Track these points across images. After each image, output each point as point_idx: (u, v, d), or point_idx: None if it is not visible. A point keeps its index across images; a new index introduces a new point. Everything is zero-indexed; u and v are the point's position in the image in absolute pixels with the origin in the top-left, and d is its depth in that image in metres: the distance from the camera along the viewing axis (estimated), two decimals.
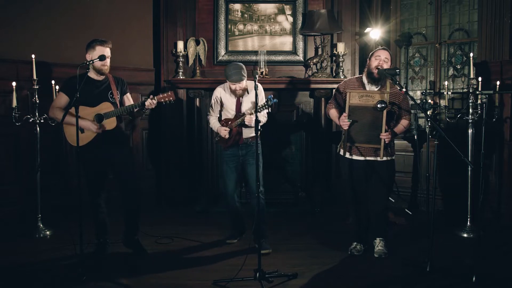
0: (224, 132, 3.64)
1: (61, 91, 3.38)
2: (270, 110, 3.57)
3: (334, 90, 3.70)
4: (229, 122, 3.67)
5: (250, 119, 3.52)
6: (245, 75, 3.56)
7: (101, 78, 3.41)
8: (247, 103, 3.66)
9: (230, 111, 3.69)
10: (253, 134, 3.55)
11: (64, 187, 4.69)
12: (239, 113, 3.65)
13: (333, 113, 3.60)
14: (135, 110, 3.34)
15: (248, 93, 3.64)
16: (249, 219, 3.78)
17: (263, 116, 3.65)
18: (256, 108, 3.10)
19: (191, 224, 4.45)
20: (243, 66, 3.57)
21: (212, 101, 3.77)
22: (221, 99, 3.72)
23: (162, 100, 3.32)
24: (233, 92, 3.62)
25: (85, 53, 3.35)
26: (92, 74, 3.38)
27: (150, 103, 3.29)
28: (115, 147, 3.41)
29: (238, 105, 3.67)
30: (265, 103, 3.47)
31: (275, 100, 3.42)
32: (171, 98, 3.34)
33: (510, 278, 3.12)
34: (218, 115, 3.79)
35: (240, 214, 3.83)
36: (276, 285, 2.98)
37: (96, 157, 3.38)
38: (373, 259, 3.45)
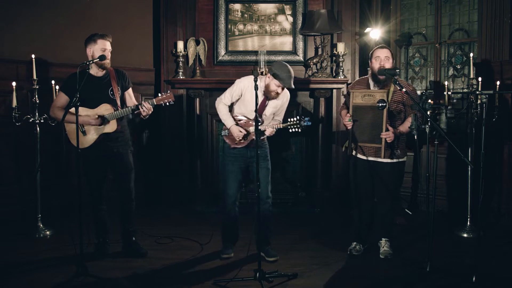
0: (239, 134, 3.36)
1: (61, 91, 3.37)
2: (299, 131, 3.32)
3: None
4: (244, 124, 3.40)
5: (271, 133, 3.37)
6: None
7: (101, 74, 3.38)
8: (270, 108, 3.41)
9: (249, 109, 3.34)
10: (263, 136, 3.45)
11: (64, 187, 4.69)
12: (260, 116, 3.36)
13: (342, 113, 3.65)
14: (134, 112, 3.32)
15: (277, 98, 3.38)
16: (248, 220, 3.74)
17: (274, 125, 3.38)
18: (256, 108, 3.03)
19: (191, 224, 4.45)
20: (293, 72, 3.31)
21: (234, 90, 3.39)
22: (245, 92, 3.35)
23: (161, 102, 3.30)
24: (269, 92, 3.31)
25: (85, 53, 3.34)
26: (93, 71, 3.34)
27: (144, 109, 3.24)
28: (116, 147, 3.41)
29: (262, 106, 3.37)
30: (297, 122, 3.28)
31: (309, 122, 3.27)
32: (170, 100, 3.29)
33: (510, 278, 3.12)
34: (229, 106, 3.46)
35: (237, 221, 3.56)
36: (276, 285, 2.98)
37: (98, 158, 3.38)
38: (373, 259, 3.45)
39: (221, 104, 3.45)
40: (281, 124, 3.37)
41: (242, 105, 3.42)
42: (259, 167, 3.17)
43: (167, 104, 3.31)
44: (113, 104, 3.33)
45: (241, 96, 3.40)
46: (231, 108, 3.51)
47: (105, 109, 3.30)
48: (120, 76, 3.46)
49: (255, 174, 3.10)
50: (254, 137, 3.29)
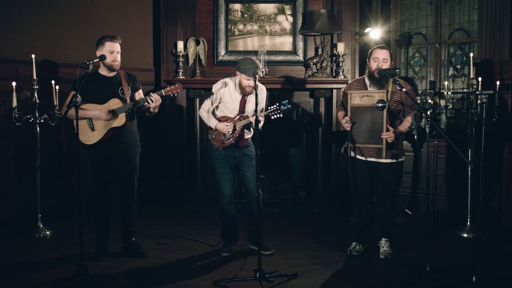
0: (227, 128, 3.38)
1: (72, 90, 3.39)
2: (281, 115, 3.36)
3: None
4: (230, 120, 3.44)
5: (260, 119, 3.32)
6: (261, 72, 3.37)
7: (112, 74, 3.42)
8: (252, 103, 3.40)
9: (231, 110, 3.45)
10: (251, 135, 3.53)
11: (64, 187, 4.69)
12: (242, 113, 3.44)
13: (339, 115, 3.64)
14: (145, 105, 3.31)
15: (255, 92, 3.38)
16: (247, 220, 3.72)
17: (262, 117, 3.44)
18: (256, 108, 3.04)
19: (191, 224, 4.45)
20: (259, 62, 3.39)
21: (214, 94, 3.47)
22: (223, 94, 3.45)
23: (170, 93, 3.30)
24: (243, 88, 3.37)
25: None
26: (103, 71, 3.40)
27: (153, 99, 3.25)
28: (126, 149, 3.42)
29: (243, 104, 3.45)
30: (277, 107, 3.31)
31: (289, 105, 3.30)
32: (178, 90, 3.30)
33: (510, 278, 3.12)
34: (212, 112, 3.53)
35: (236, 221, 3.59)
36: (276, 285, 2.98)
37: (105, 157, 3.39)
38: (373, 259, 3.45)
39: (204, 112, 3.54)
40: (262, 113, 3.41)
41: (223, 107, 3.50)
42: (249, 166, 3.47)
43: (175, 95, 3.33)
44: (123, 102, 3.35)
45: (221, 98, 3.47)
46: (213, 115, 3.56)
47: (114, 103, 3.32)
48: (131, 78, 3.51)
49: (244, 173, 3.43)
50: (240, 132, 3.43)
